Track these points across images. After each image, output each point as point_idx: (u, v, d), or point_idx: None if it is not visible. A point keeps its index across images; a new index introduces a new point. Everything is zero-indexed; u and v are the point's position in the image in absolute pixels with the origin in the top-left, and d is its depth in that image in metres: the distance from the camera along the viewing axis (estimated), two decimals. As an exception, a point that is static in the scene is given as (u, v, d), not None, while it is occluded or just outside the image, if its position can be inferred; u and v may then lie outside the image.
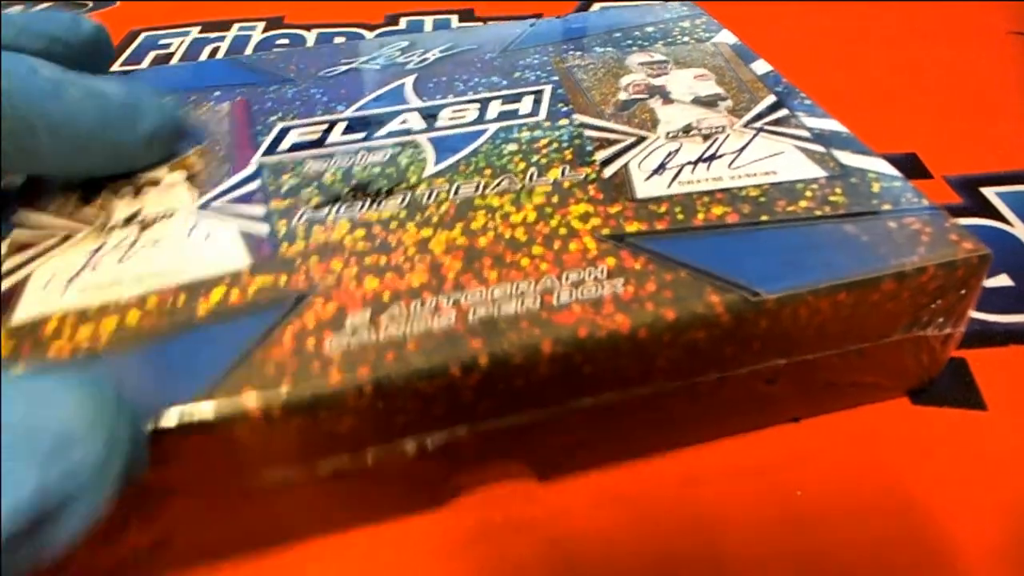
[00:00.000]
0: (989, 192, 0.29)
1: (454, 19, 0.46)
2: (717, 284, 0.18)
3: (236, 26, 0.47)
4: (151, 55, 0.44)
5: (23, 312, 0.18)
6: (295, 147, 0.23)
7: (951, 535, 0.19)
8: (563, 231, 0.19)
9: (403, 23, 0.46)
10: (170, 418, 0.15)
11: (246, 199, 0.21)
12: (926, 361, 0.21)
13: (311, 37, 0.45)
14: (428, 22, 0.46)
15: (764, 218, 0.20)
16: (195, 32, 0.47)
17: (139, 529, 0.17)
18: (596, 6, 0.47)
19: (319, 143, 0.23)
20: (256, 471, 0.17)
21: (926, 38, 0.41)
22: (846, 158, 0.22)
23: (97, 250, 0.19)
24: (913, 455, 0.20)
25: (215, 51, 0.44)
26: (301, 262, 0.19)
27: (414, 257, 0.19)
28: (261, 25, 0.47)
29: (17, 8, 0.49)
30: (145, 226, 0.20)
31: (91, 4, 0.50)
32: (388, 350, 0.17)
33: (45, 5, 0.50)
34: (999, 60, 0.39)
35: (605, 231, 0.19)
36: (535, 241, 0.19)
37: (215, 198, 0.21)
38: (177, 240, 0.20)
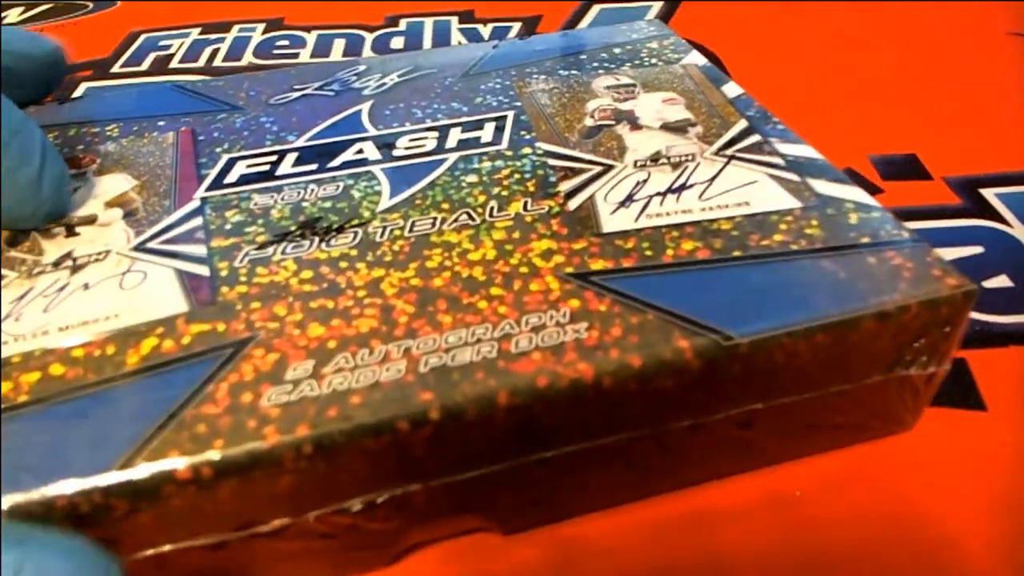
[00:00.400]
0: (988, 193, 0.29)
1: (454, 20, 0.46)
2: (686, 327, 0.17)
3: (236, 27, 0.46)
4: (151, 56, 0.43)
5: (-66, 367, 0.16)
6: (242, 180, 0.22)
7: (951, 535, 0.18)
8: (524, 269, 0.18)
9: (403, 24, 0.46)
10: (92, 482, 0.14)
11: (185, 238, 0.20)
12: (909, 402, 0.20)
13: (311, 38, 0.44)
14: (428, 23, 0.46)
15: (736, 254, 0.19)
16: (195, 33, 0.46)
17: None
18: (591, 12, 0.46)
19: (268, 175, 0.22)
20: (190, 534, 0.15)
21: (926, 38, 0.41)
22: (822, 187, 0.21)
23: (21, 297, 0.18)
24: (913, 455, 0.20)
25: (215, 52, 0.43)
26: (242, 308, 0.18)
27: (364, 300, 0.18)
28: (261, 26, 0.46)
29: (17, 10, 0.48)
30: (76, 269, 0.19)
31: (91, 6, 0.49)
32: (330, 405, 0.15)
33: (45, 6, 0.49)
34: (999, 60, 0.38)
35: (568, 269, 0.18)
36: (494, 281, 0.18)
37: (152, 237, 0.20)
38: (109, 285, 0.18)
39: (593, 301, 0.17)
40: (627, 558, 0.18)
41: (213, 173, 0.22)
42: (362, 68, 0.28)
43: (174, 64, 0.42)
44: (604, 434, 0.17)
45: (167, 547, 0.15)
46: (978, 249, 0.27)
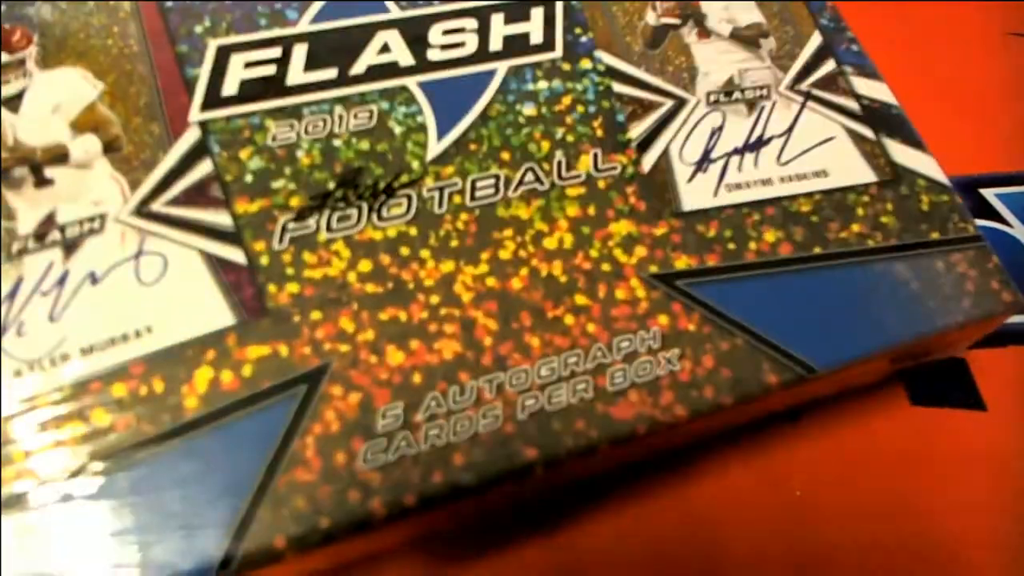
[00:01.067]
0: (988, 193, 0.28)
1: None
2: (775, 358, 0.16)
3: None
4: None
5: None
6: (245, 91, 0.17)
7: (951, 535, 0.19)
8: (606, 267, 0.17)
9: None
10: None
11: (198, 197, 0.16)
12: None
13: None
14: None
15: (817, 251, 0.18)
16: None
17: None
18: None
19: (278, 86, 0.17)
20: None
21: (926, 38, 0.37)
22: (898, 153, 0.20)
23: (13, 294, 0.15)
24: (913, 455, 0.20)
25: None
26: (300, 319, 0.15)
27: (439, 311, 0.16)
28: None
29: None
30: (69, 247, 0.15)
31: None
32: (434, 468, 0.14)
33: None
34: (999, 60, 0.36)
35: (652, 267, 0.17)
36: (577, 285, 0.16)
37: (154, 193, 0.16)
38: (122, 276, 0.15)
39: (682, 318, 0.17)
40: (627, 558, 0.19)
41: (204, 75, 0.17)
42: None
43: None
44: (675, 445, 0.18)
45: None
46: None
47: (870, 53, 0.38)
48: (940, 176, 0.20)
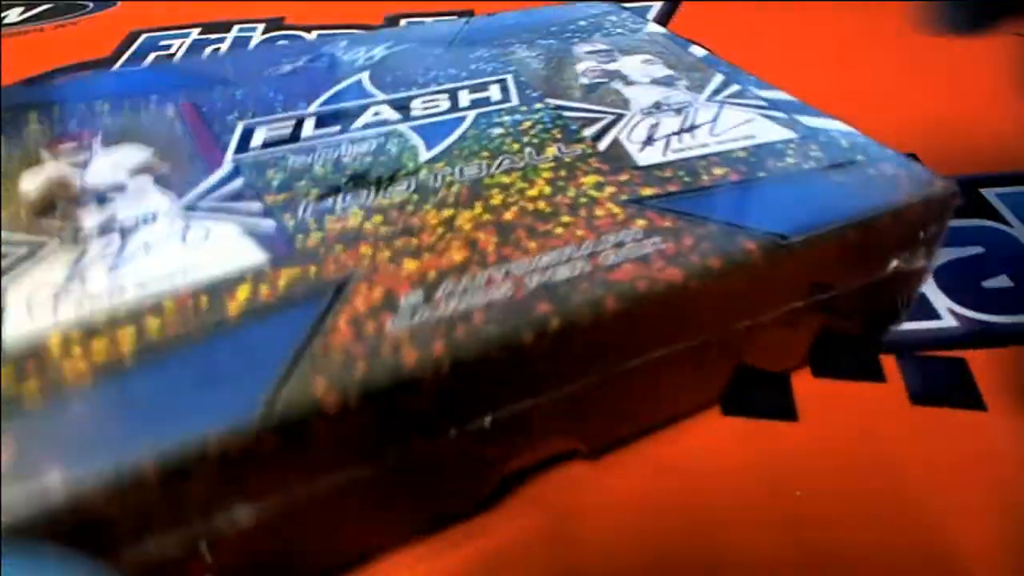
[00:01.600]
0: (988, 193, 0.29)
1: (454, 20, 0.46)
2: (749, 232, 0.18)
3: (236, 27, 0.45)
4: (151, 56, 0.41)
5: (12, 336, 0.15)
6: (268, 143, 0.22)
7: (951, 535, 0.19)
8: (584, 199, 0.19)
9: (403, 24, 0.46)
10: (243, 421, 0.14)
11: (235, 196, 0.19)
12: (905, 297, 0.22)
13: (312, 38, 0.44)
14: (428, 23, 0.45)
15: (762, 174, 0.21)
16: (195, 33, 0.44)
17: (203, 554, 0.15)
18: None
19: (294, 138, 0.22)
20: (328, 470, 0.15)
21: (926, 38, 0.41)
22: (808, 121, 0.23)
23: (78, 260, 0.17)
24: (913, 455, 0.20)
25: (215, 52, 0.42)
26: (326, 251, 0.17)
27: (446, 236, 0.18)
28: (261, 26, 0.45)
29: (17, 10, 0.44)
30: (126, 232, 0.18)
31: (91, 5, 0.46)
32: (457, 324, 0.16)
33: (46, 6, 0.45)
34: (999, 60, 0.38)
35: (624, 196, 0.20)
36: (561, 211, 0.19)
37: (198, 198, 0.19)
38: (172, 243, 0.18)
39: (657, 220, 0.19)
40: (627, 558, 0.18)
41: (234, 139, 0.22)
42: (344, 43, 0.28)
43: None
44: (683, 339, 0.18)
45: (304, 490, 0.15)
46: (978, 249, 0.27)
47: (870, 52, 0.40)
48: (851, 128, 0.23)
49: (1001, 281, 0.26)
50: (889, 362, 0.23)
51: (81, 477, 0.13)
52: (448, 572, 0.18)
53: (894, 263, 0.21)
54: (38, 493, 0.13)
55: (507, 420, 0.17)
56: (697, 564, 0.18)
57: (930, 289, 0.25)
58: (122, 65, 0.41)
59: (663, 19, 0.45)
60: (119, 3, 0.49)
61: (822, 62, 0.40)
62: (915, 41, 0.42)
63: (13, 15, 0.46)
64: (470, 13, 0.48)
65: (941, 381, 0.22)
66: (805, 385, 0.22)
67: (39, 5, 0.48)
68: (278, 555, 0.16)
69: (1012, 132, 0.33)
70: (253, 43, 0.44)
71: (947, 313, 0.24)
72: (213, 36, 0.45)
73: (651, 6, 0.47)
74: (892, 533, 0.19)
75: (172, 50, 0.43)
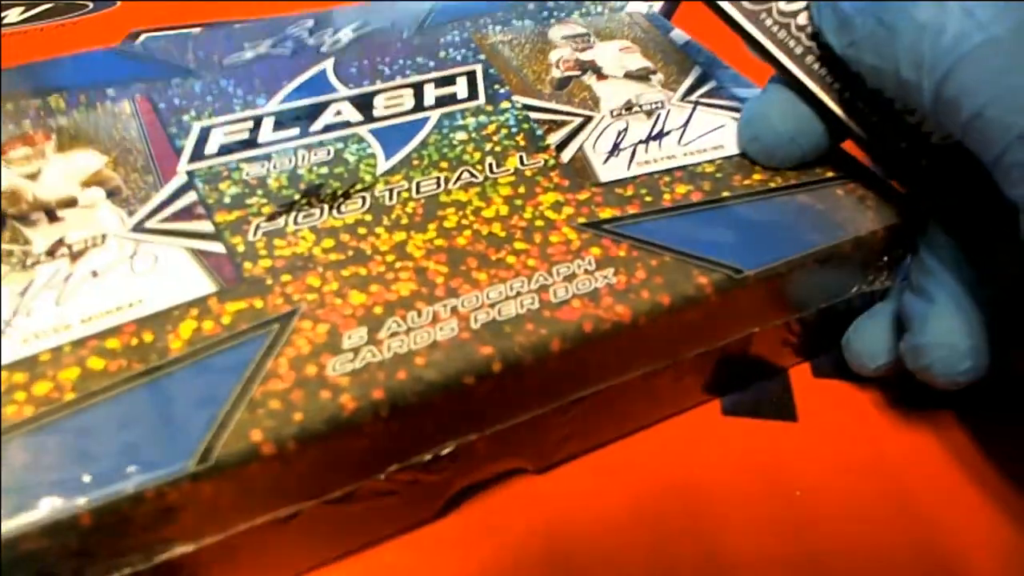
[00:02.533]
0: None
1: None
2: (701, 265, 0.18)
3: (236, 27, 0.43)
4: None
5: (-46, 374, 0.15)
6: (224, 149, 0.21)
7: (951, 535, 0.19)
8: (540, 223, 0.19)
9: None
10: (175, 469, 0.14)
11: (185, 215, 0.19)
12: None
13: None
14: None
15: (726, 194, 0.20)
16: (195, 33, 0.42)
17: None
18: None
19: (251, 143, 0.21)
20: (268, 509, 0.16)
21: None
22: (782, 127, 0.23)
23: (24, 291, 0.17)
24: (913, 455, 0.21)
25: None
26: (272, 282, 0.17)
27: (395, 264, 0.18)
28: None
29: (17, 10, 0.44)
30: (75, 256, 0.18)
31: (91, 5, 0.45)
32: (398, 368, 0.16)
33: (46, 6, 0.44)
34: None
35: (581, 219, 0.19)
36: (515, 236, 0.19)
37: (148, 216, 0.19)
38: (119, 271, 0.18)
39: (612, 248, 0.19)
40: (627, 558, 0.19)
41: (189, 144, 0.21)
42: (311, 23, 0.27)
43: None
44: (632, 369, 0.19)
45: (243, 526, 0.16)
46: None
47: None
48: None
49: None
50: None
51: (17, 521, 0.13)
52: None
53: (855, 288, 0.21)
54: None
55: (450, 453, 0.17)
56: (697, 564, 0.18)
57: None
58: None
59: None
60: (119, 3, 0.48)
61: None
62: None
63: (13, 15, 0.45)
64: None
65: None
66: (805, 385, 0.23)
67: (39, 5, 0.47)
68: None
69: None
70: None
71: None
72: (213, 36, 0.43)
73: (651, 6, 0.46)
74: (892, 533, 0.19)
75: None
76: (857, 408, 0.22)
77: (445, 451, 0.17)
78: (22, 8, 0.45)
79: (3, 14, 0.44)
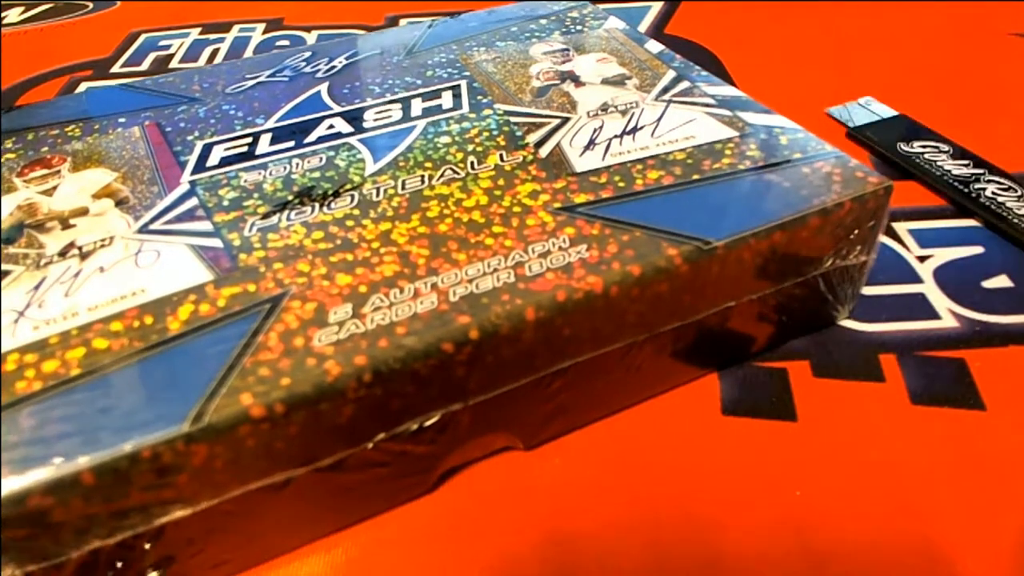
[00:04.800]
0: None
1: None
2: (671, 238, 0.19)
3: (236, 27, 0.46)
4: (151, 56, 0.43)
5: (-29, 357, 0.17)
6: (224, 161, 0.23)
7: (951, 535, 0.19)
8: (517, 209, 0.20)
9: (403, 24, 0.46)
10: (170, 430, 0.15)
11: (187, 217, 0.20)
12: (848, 290, 0.23)
13: (311, 38, 0.44)
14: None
15: (696, 177, 0.21)
16: (195, 34, 0.45)
17: (145, 552, 0.16)
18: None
19: (249, 155, 0.23)
20: (261, 474, 0.16)
21: (927, 38, 0.41)
22: (751, 118, 0.24)
23: (37, 286, 0.18)
24: (913, 455, 0.20)
25: (215, 52, 0.43)
26: (265, 269, 0.19)
27: (380, 250, 0.19)
28: (261, 26, 0.46)
29: (17, 10, 0.46)
30: (84, 256, 0.19)
31: (91, 6, 0.48)
32: (380, 337, 0.17)
33: (45, 6, 0.47)
34: (999, 60, 0.38)
35: (556, 205, 0.20)
36: (493, 222, 0.20)
37: (153, 220, 0.20)
38: (125, 265, 0.19)
39: (585, 227, 0.20)
40: (627, 558, 0.19)
41: (193, 158, 0.23)
42: (307, 54, 0.29)
43: (174, 64, 0.42)
44: (610, 341, 0.19)
45: (237, 491, 0.16)
46: (978, 249, 0.27)
47: (871, 53, 0.38)
48: (794, 124, 0.24)
49: (1001, 281, 0.26)
50: (889, 362, 0.23)
51: (25, 480, 0.14)
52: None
53: (829, 261, 0.21)
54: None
55: (436, 423, 0.18)
56: (697, 563, 0.18)
57: (930, 289, 0.25)
58: (122, 65, 0.42)
59: (663, 19, 0.45)
60: (119, 3, 0.50)
61: (822, 62, 0.40)
62: (916, 41, 0.41)
63: (13, 15, 0.47)
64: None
65: (941, 381, 0.22)
66: (805, 385, 0.23)
67: (39, 5, 0.49)
68: (216, 548, 0.18)
69: (1012, 132, 0.33)
70: (252, 44, 0.45)
71: (947, 313, 0.24)
72: (213, 36, 0.45)
73: (651, 6, 0.47)
74: (892, 533, 0.19)
75: (172, 50, 0.44)
76: (857, 408, 0.22)
77: (430, 421, 0.18)
78: (22, 8, 0.47)
79: (3, 14, 0.46)
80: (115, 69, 0.42)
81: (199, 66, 0.29)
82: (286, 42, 0.44)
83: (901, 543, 0.18)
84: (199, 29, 0.46)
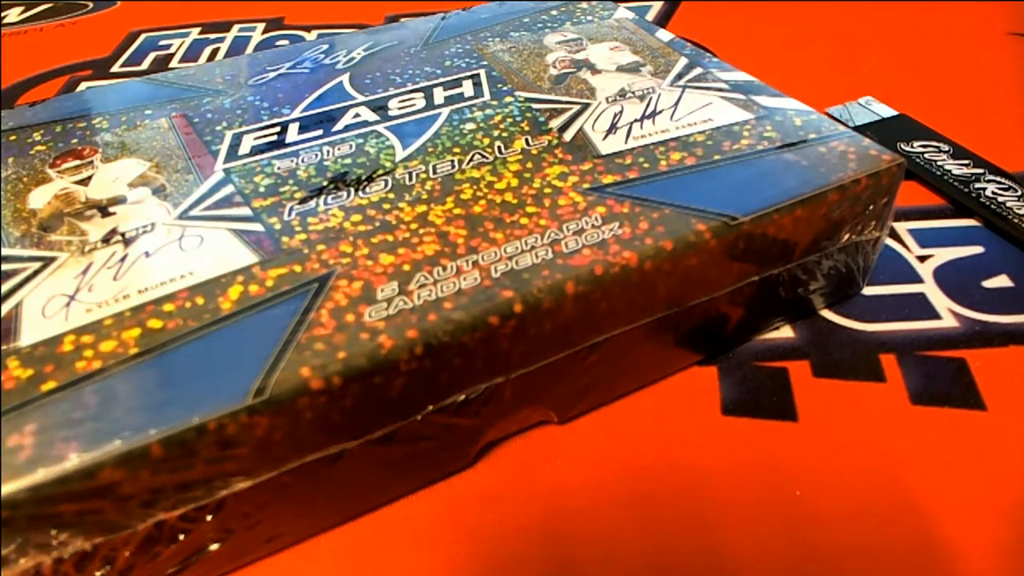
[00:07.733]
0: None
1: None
2: (699, 214, 0.20)
3: (236, 27, 0.46)
4: (151, 56, 0.43)
5: (29, 338, 0.17)
6: (256, 150, 0.23)
7: (951, 535, 0.19)
8: (548, 190, 0.21)
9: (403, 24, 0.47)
10: (234, 403, 0.15)
11: (225, 203, 0.21)
12: (862, 265, 0.24)
13: (311, 38, 0.44)
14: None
15: (717, 157, 0.22)
16: (195, 33, 0.45)
17: (206, 523, 0.17)
18: None
19: (279, 144, 0.23)
20: (317, 447, 0.17)
21: (927, 38, 0.41)
22: (765, 101, 0.25)
23: (85, 271, 0.19)
24: (913, 455, 0.20)
25: (215, 52, 0.43)
26: (309, 250, 0.19)
27: (419, 231, 0.20)
28: (261, 26, 0.46)
29: (17, 10, 0.46)
30: (128, 242, 0.20)
31: (91, 5, 0.48)
32: (428, 312, 0.17)
33: (45, 6, 0.47)
34: (999, 60, 0.38)
35: (585, 185, 0.21)
36: (526, 203, 0.21)
37: (191, 207, 0.21)
38: (170, 250, 0.19)
39: (616, 206, 0.20)
40: (626, 557, 0.19)
41: (224, 147, 0.23)
42: (325, 47, 0.29)
43: (174, 64, 0.42)
44: (642, 315, 0.20)
45: (295, 463, 0.17)
46: (978, 249, 0.27)
47: (871, 53, 0.38)
48: (806, 107, 0.24)
49: (1001, 281, 0.26)
50: (889, 362, 0.23)
51: (96, 454, 0.15)
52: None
53: (846, 236, 0.22)
54: (57, 467, 0.14)
55: (480, 395, 0.19)
56: (697, 563, 0.19)
57: (930, 289, 0.26)
58: (122, 65, 0.42)
59: (663, 19, 0.45)
60: (119, 3, 0.50)
61: (822, 62, 0.40)
62: (916, 41, 0.42)
63: (13, 15, 0.47)
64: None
65: (941, 381, 0.22)
66: (805, 385, 0.23)
67: (39, 5, 0.49)
68: (271, 522, 0.18)
69: (1012, 132, 0.33)
70: (252, 43, 0.45)
71: (947, 313, 0.25)
72: (213, 36, 0.46)
73: (651, 6, 0.48)
74: (892, 533, 0.19)
75: (172, 50, 0.44)
76: (857, 408, 0.22)
77: (475, 394, 0.18)
78: (22, 8, 0.47)
79: (3, 14, 0.46)
80: (115, 69, 0.42)
81: (218, 60, 0.29)
82: (286, 42, 0.45)
83: (901, 543, 0.19)
84: (199, 29, 0.47)
